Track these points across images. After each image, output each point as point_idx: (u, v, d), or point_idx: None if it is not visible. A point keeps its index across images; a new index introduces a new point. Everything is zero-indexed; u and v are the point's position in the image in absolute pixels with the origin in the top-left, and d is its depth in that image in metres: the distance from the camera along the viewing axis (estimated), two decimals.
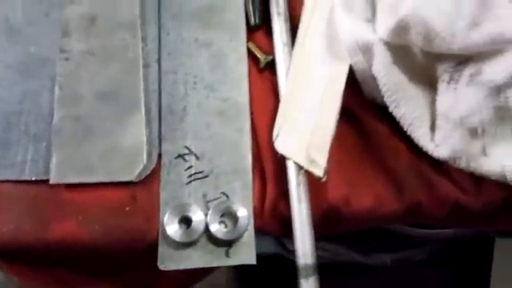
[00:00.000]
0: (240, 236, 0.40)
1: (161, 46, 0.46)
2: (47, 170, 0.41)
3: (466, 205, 0.43)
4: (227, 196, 0.42)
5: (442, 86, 0.42)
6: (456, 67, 0.41)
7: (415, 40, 0.40)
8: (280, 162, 0.42)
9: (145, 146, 0.42)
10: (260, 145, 0.43)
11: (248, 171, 0.43)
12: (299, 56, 0.45)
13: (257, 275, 0.97)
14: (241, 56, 0.47)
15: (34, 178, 0.41)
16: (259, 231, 0.41)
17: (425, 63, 0.43)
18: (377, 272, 0.96)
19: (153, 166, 0.42)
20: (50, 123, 0.42)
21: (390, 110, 0.42)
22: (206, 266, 0.40)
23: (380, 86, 0.42)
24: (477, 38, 0.38)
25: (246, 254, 0.40)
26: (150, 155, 0.42)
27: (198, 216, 0.40)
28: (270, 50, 0.47)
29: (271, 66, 0.46)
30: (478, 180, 0.42)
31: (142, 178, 0.41)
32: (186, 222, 0.40)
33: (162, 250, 0.40)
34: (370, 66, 0.43)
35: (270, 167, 0.42)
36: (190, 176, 0.42)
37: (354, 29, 0.43)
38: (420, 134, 0.42)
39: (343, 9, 0.44)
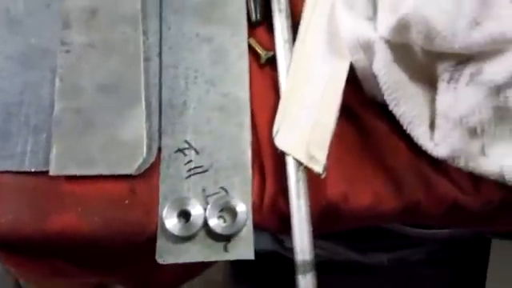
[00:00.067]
0: (238, 231, 0.40)
1: (162, 40, 0.46)
2: (47, 162, 0.41)
3: (465, 204, 0.43)
4: (226, 191, 0.42)
5: (442, 86, 0.42)
6: (456, 66, 0.41)
7: (416, 39, 0.40)
8: (280, 158, 0.42)
9: (145, 139, 0.42)
10: (260, 141, 0.44)
11: (247, 167, 0.43)
12: (300, 53, 0.45)
13: (253, 272, 0.98)
14: (242, 51, 0.47)
15: (33, 170, 0.41)
16: (258, 227, 0.41)
17: (425, 62, 0.43)
18: (373, 271, 0.96)
19: (152, 159, 0.42)
20: (50, 115, 0.42)
21: (390, 108, 0.42)
22: (204, 260, 0.40)
23: (380, 84, 0.42)
24: (478, 37, 0.38)
25: (244, 249, 0.40)
26: (149, 149, 0.42)
27: (196, 210, 0.40)
28: (270, 47, 0.47)
29: (272, 63, 0.46)
30: (477, 180, 0.43)
31: (142, 171, 0.41)
32: (184, 215, 0.40)
33: (161, 243, 0.40)
34: (371, 63, 0.43)
35: (269, 163, 0.43)
36: (190, 170, 0.42)
37: (354, 26, 0.43)
38: (419, 133, 0.42)
39: (344, 7, 0.44)
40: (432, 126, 0.43)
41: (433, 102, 0.43)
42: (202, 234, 0.40)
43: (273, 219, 0.42)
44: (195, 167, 0.42)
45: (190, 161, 0.43)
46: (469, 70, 0.40)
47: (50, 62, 0.44)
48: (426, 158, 0.42)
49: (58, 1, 0.46)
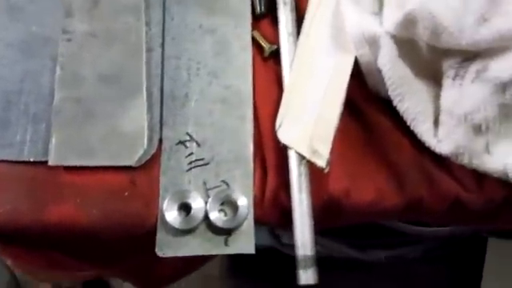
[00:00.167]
0: (239, 225, 0.40)
1: (165, 30, 0.46)
2: (46, 152, 0.40)
3: (467, 201, 0.42)
4: (227, 184, 0.41)
5: (446, 82, 0.42)
6: (462, 63, 0.41)
7: (422, 34, 0.40)
8: (282, 151, 0.42)
9: (146, 130, 0.42)
10: (262, 134, 0.43)
11: (249, 160, 0.42)
12: (304, 46, 0.45)
13: (250, 267, 0.98)
14: (245, 44, 0.46)
15: (32, 159, 0.40)
16: (259, 221, 0.41)
17: (430, 58, 0.43)
18: (371, 268, 0.96)
19: (153, 151, 0.42)
20: (50, 104, 0.41)
21: (394, 103, 0.42)
22: (204, 253, 0.40)
23: (385, 80, 0.42)
24: (485, 33, 0.38)
25: (244, 243, 0.40)
26: (150, 140, 0.42)
27: (197, 203, 0.40)
28: (274, 40, 0.46)
29: (275, 56, 0.46)
30: (480, 177, 0.42)
31: (142, 162, 0.41)
32: (185, 208, 0.40)
33: (161, 236, 0.39)
34: (376, 58, 0.42)
35: (271, 157, 0.42)
36: (191, 163, 0.42)
37: (360, 21, 0.43)
38: (423, 129, 0.42)
39: (350, 1, 0.43)
40: (436, 122, 0.42)
41: (437, 98, 0.43)
42: (203, 227, 0.40)
43: (274, 213, 0.41)
44: (196, 160, 0.42)
45: (191, 153, 0.42)
46: (475, 66, 0.40)
47: (51, 50, 0.43)
48: (429, 154, 0.42)
49: None
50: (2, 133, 0.40)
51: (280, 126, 0.41)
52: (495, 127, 0.40)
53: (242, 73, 0.45)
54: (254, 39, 0.47)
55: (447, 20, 0.38)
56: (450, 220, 0.47)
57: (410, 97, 0.42)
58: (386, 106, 0.43)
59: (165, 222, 0.39)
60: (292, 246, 0.84)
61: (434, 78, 0.43)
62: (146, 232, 0.40)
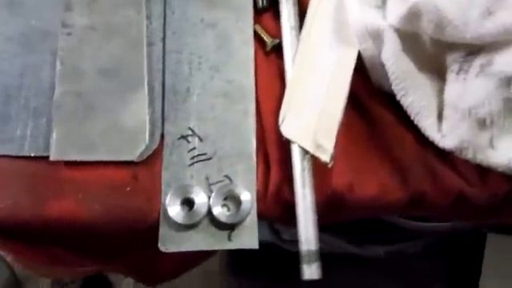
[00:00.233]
0: (243, 220, 0.40)
1: (166, 24, 0.45)
2: (47, 147, 0.40)
3: (471, 196, 0.42)
4: (230, 179, 0.41)
5: (450, 76, 0.41)
6: (466, 57, 0.41)
7: (426, 28, 0.39)
8: (284, 146, 0.41)
9: (147, 125, 0.41)
10: (265, 129, 0.43)
11: (252, 155, 0.42)
12: (306, 40, 0.44)
13: (250, 263, 0.98)
14: (247, 38, 0.46)
15: (33, 154, 0.40)
16: (262, 216, 0.41)
17: (434, 52, 0.43)
18: (369, 263, 0.97)
19: (155, 146, 0.41)
20: (50, 98, 0.41)
21: (398, 98, 0.42)
22: (207, 248, 0.39)
23: (388, 74, 0.41)
24: (490, 27, 0.37)
25: (248, 238, 0.40)
26: (152, 135, 0.41)
27: (200, 198, 0.39)
28: (277, 34, 0.46)
29: (278, 50, 0.46)
30: (483, 172, 0.42)
31: (144, 158, 0.41)
32: (188, 203, 0.40)
33: (163, 231, 0.39)
34: (379, 52, 0.42)
35: (274, 152, 0.42)
36: (193, 158, 0.41)
37: (363, 14, 0.42)
38: (427, 124, 0.42)
39: None
40: (440, 117, 0.42)
41: (441, 92, 0.42)
42: (206, 222, 0.40)
43: (277, 208, 0.41)
44: (199, 154, 0.42)
45: (194, 148, 0.42)
46: (479, 60, 0.40)
47: (51, 44, 0.43)
48: (432, 149, 0.42)
49: None
50: (3, 127, 0.40)
51: (283, 120, 0.41)
52: (500, 121, 0.39)
53: (243, 67, 0.45)
54: (255, 33, 0.46)
55: (452, 13, 0.38)
56: (454, 215, 0.47)
57: (413, 91, 0.41)
58: (389, 100, 0.43)
59: (167, 217, 0.39)
60: (292, 242, 0.84)
61: (438, 73, 0.43)
62: (148, 227, 0.39)
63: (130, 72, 0.43)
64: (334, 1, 0.45)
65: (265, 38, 0.46)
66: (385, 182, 0.42)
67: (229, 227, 0.40)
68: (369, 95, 0.44)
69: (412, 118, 0.42)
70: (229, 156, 0.42)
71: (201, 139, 0.42)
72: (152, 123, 0.42)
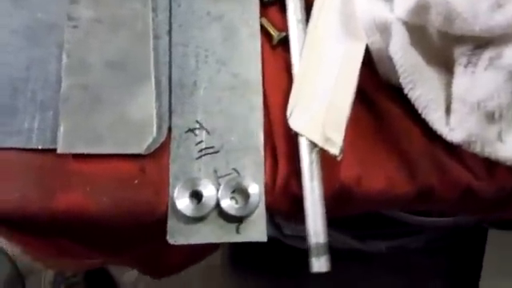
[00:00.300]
0: (251, 213, 0.39)
1: (172, 17, 0.45)
2: (54, 139, 0.39)
3: (478, 190, 0.42)
4: (238, 172, 0.41)
5: (458, 70, 0.41)
6: (474, 51, 0.40)
7: (435, 20, 0.39)
8: (292, 139, 0.41)
9: (154, 118, 0.41)
10: (272, 122, 0.43)
11: (259, 148, 0.42)
12: (313, 33, 0.44)
13: (252, 257, 0.98)
14: (253, 31, 0.46)
15: (40, 147, 0.39)
16: (269, 209, 0.41)
17: (441, 45, 0.42)
18: (371, 259, 0.97)
19: (162, 139, 0.41)
20: (57, 91, 0.41)
21: (406, 91, 0.42)
22: (216, 241, 0.39)
23: (396, 67, 0.41)
24: (500, 19, 0.37)
25: (256, 231, 0.40)
26: (159, 128, 0.41)
27: (209, 191, 0.39)
28: (283, 27, 0.46)
29: (284, 44, 0.45)
30: (491, 165, 0.42)
31: (152, 151, 0.40)
32: (196, 196, 0.39)
33: (172, 223, 0.39)
34: (387, 46, 0.42)
35: (281, 145, 0.42)
36: (201, 151, 0.41)
37: (371, 7, 0.42)
38: (435, 118, 0.42)
39: None
40: (448, 110, 0.42)
41: (448, 86, 0.42)
42: (214, 214, 0.40)
43: (285, 201, 0.41)
44: (206, 148, 0.41)
45: (201, 141, 0.42)
46: (488, 53, 0.39)
47: (57, 37, 0.42)
48: (439, 142, 0.42)
49: None
50: (10, 120, 0.40)
51: (291, 113, 0.41)
52: (508, 115, 0.39)
53: (250, 60, 0.45)
54: (262, 27, 0.46)
55: (461, 6, 0.37)
56: (461, 209, 0.47)
57: (421, 84, 0.41)
58: (397, 93, 0.43)
59: (176, 210, 0.39)
60: (294, 237, 0.84)
61: (445, 66, 0.43)
62: (155, 220, 0.39)
63: (136, 65, 0.43)
64: None
65: (271, 31, 0.46)
66: (392, 176, 0.42)
67: (237, 220, 0.40)
68: (376, 89, 0.44)
69: (420, 111, 0.42)
70: (236, 149, 0.42)
71: (208, 132, 0.42)
72: (159, 116, 0.41)
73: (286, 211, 0.42)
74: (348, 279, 0.98)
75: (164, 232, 0.39)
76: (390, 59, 0.41)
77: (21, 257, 0.96)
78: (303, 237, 0.87)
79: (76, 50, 0.42)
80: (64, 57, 0.42)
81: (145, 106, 0.42)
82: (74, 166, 0.39)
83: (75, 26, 0.43)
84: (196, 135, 0.42)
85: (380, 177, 0.42)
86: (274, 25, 0.46)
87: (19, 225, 0.39)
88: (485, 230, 0.88)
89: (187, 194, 0.39)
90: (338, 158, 0.39)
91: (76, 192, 0.38)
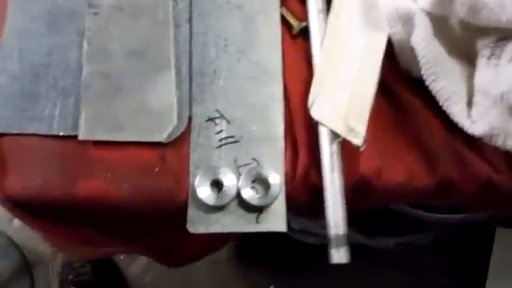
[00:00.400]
0: (271, 202, 0.39)
1: (192, 5, 0.45)
2: (75, 126, 0.39)
3: (498, 183, 0.42)
4: (258, 162, 0.41)
5: (481, 62, 0.41)
6: (497, 43, 0.40)
7: (459, 11, 0.39)
8: (312, 130, 0.41)
9: (175, 107, 0.41)
10: (292, 112, 0.42)
11: (280, 138, 0.42)
12: (335, 23, 0.44)
13: (257, 252, 0.98)
14: (273, 20, 0.45)
15: (62, 134, 0.39)
16: (289, 199, 0.40)
17: (463, 37, 0.42)
18: (377, 255, 0.97)
19: (183, 128, 0.41)
20: (77, 78, 0.41)
21: (427, 83, 0.41)
22: (236, 230, 0.39)
23: (419, 58, 0.41)
24: None
25: (276, 220, 0.40)
26: (180, 117, 0.41)
27: (230, 180, 0.39)
28: (303, 17, 0.45)
29: (304, 34, 0.45)
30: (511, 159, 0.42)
31: (172, 139, 0.40)
32: (217, 185, 0.39)
33: (192, 212, 0.39)
34: (409, 36, 0.42)
35: (302, 135, 0.42)
36: (221, 140, 0.41)
37: None
38: (456, 110, 0.41)
39: None
40: (469, 103, 0.42)
41: (470, 78, 0.42)
42: (234, 204, 0.39)
43: (305, 192, 0.41)
44: (226, 137, 0.41)
45: (221, 130, 0.42)
46: None
47: (78, 24, 0.42)
48: (460, 135, 0.42)
49: None
50: (33, 106, 0.40)
51: (313, 103, 0.40)
52: None
53: (270, 49, 0.44)
54: (282, 16, 0.46)
55: None
56: (479, 203, 0.46)
57: (444, 76, 0.41)
58: (417, 85, 0.43)
59: (196, 199, 0.39)
60: (301, 232, 0.84)
61: (467, 58, 0.42)
62: (175, 208, 0.39)
63: (157, 53, 0.42)
64: None
65: (291, 21, 0.46)
66: (412, 168, 0.42)
67: (257, 210, 0.40)
68: (396, 80, 0.44)
69: (441, 103, 0.42)
70: (257, 139, 0.41)
71: (228, 122, 0.42)
72: (179, 105, 0.41)
73: (305, 202, 0.42)
74: (353, 275, 0.98)
75: (183, 221, 0.39)
76: (412, 50, 0.41)
77: (29, 246, 0.97)
78: (310, 231, 0.87)
79: (97, 37, 0.42)
80: (85, 44, 0.41)
81: (165, 94, 0.41)
82: (95, 152, 0.39)
83: (96, 13, 0.43)
84: (216, 124, 0.42)
85: (400, 169, 0.42)
86: (294, 14, 0.46)
87: (41, 211, 0.39)
88: (492, 228, 0.88)
89: (208, 183, 0.39)
90: (361, 149, 0.39)
91: (97, 179, 0.38)
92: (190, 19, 0.44)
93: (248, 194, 0.39)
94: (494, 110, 0.39)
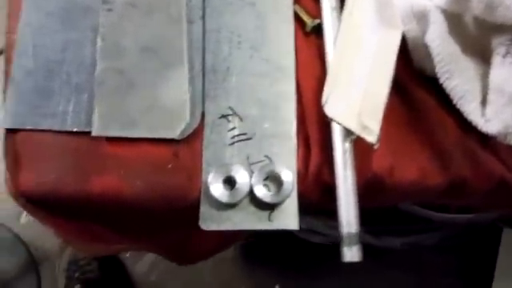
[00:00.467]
0: (284, 200, 0.39)
1: (205, 2, 0.45)
2: (88, 122, 0.39)
3: (511, 182, 0.42)
4: (270, 159, 0.41)
5: (496, 60, 0.41)
6: None
7: (475, 8, 0.39)
8: (325, 127, 0.41)
9: (188, 104, 0.41)
10: (305, 110, 0.42)
11: (292, 136, 0.42)
12: (348, 20, 0.43)
13: (263, 251, 0.98)
14: (286, 17, 0.45)
15: (75, 130, 0.39)
16: (301, 197, 0.40)
17: (477, 35, 0.42)
18: (382, 255, 0.96)
19: (196, 124, 0.41)
20: (91, 74, 0.41)
21: (441, 81, 0.41)
22: (248, 228, 0.39)
23: (433, 56, 0.41)
24: None
25: (288, 218, 0.39)
26: (192, 113, 0.41)
27: (242, 177, 0.39)
28: (316, 14, 0.45)
29: (318, 31, 0.45)
30: None
31: (185, 136, 0.40)
32: (229, 182, 0.39)
33: (204, 209, 0.39)
34: (423, 34, 0.41)
35: (314, 132, 0.41)
36: (233, 137, 0.41)
37: None
38: (470, 108, 0.41)
39: None
40: (483, 101, 0.41)
41: (484, 76, 0.42)
42: (246, 201, 0.39)
43: (317, 190, 0.41)
44: (239, 134, 0.41)
45: (234, 128, 0.41)
46: None
47: (92, 20, 0.42)
48: (473, 134, 0.42)
49: None
50: (47, 102, 0.40)
51: (327, 100, 0.40)
52: None
53: (283, 47, 0.44)
54: (295, 13, 0.46)
55: None
56: (492, 203, 0.46)
57: (458, 74, 0.41)
58: (430, 84, 0.42)
59: (209, 196, 0.39)
60: (308, 231, 0.83)
61: (482, 56, 0.42)
62: (187, 205, 0.39)
63: (170, 50, 0.42)
64: None
65: (305, 18, 0.45)
66: (425, 167, 0.42)
67: (269, 207, 0.40)
68: (410, 79, 0.43)
69: (455, 101, 0.41)
70: (269, 136, 0.41)
71: (241, 119, 0.42)
72: (192, 102, 0.41)
73: (317, 200, 0.42)
74: (358, 274, 0.98)
75: (195, 218, 0.39)
76: (426, 48, 0.41)
77: (35, 243, 0.97)
78: (315, 230, 0.87)
79: (110, 33, 0.42)
80: (99, 40, 0.42)
81: (178, 91, 0.41)
82: (108, 149, 0.39)
83: (110, 10, 0.43)
84: (229, 121, 0.42)
85: (412, 167, 0.42)
86: (307, 12, 0.46)
87: (53, 207, 0.39)
88: (499, 229, 0.87)
89: (221, 180, 0.39)
90: (375, 147, 0.39)
91: (111, 175, 0.38)
92: (203, 16, 0.44)
93: (261, 191, 0.39)
94: (509, 109, 0.39)
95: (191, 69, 0.42)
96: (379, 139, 0.38)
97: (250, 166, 0.40)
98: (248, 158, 0.41)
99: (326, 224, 0.80)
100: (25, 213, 0.97)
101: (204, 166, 0.40)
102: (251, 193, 0.39)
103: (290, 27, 0.45)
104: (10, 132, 0.40)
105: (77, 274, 0.94)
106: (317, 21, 0.45)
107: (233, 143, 0.41)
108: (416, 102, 0.43)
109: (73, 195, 0.38)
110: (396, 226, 0.86)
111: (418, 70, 0.44)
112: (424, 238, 0.88)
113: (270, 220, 0.39)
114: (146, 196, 0.38)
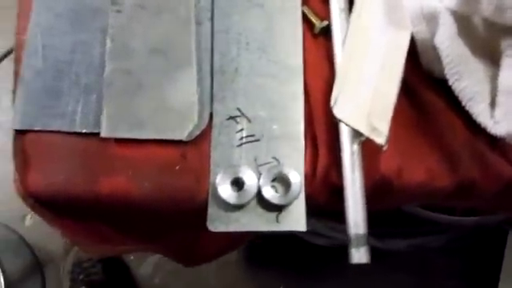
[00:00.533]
0: (291, 202, 0.39)
1: (213, 3, 0.45)
2: (97, 123, 0.40)
3: None
4: (278, 161, 0.41)
5: (505, 62, 0.40)
6: None
7: (485, 10, 0.39)
8: (333, 129, 0.41)
9: (196, 105, 0.41)
10: (313, 111, 0.42)
11: (300, 137, 0.42)
12: (357, 22, 0.43)
13: (267, 253, 0.98)
14: (295, 18, 0.45)
15: (84, 131, 0.39)
16: (309, 198, 0.40)
17: (486, 36, 0.42)
18: (386, 256, 0.96)
19: (204, 126, 0.41)
20: (100, 75, 0.41)
21: (451, 83, 0.41)
22: (256, 229, 0.39)
23: (442, 57, 0.41)
24: None
25: (296, 220, 0.39)
26: (201, 115, 0.41)
27: (250, 179, 0.39)
28: (325, 16, 0.45)
29: (326, 33, 0.45)
30: None
31: (193, 137, 0.40)
32: (237, 184, 0.39)
33: (212, 210, 0.39)
34: (432, 35, 0.41)
35: (322, 134, 0.41)
36: (241, 139, 0.41)
37: None
38: (479, 110, 0.41)
39: None
40: (492, 103, 0.41)
41: (494, 78, 0.41)
42: (254, 203, 0.39)
43: (325, 191, 0.41)
44: (247, 136, 0.41)
45: (242, 129, 0.41)
46: None
47: (101, 21, 0.42)
48: (482, 136, 0.41)
49: None
50: (56, 102, 0.40)
51: (335, 102, 0.40)
52: None
53: (292, 48, 0.44)
54: (303, 15, 0.46)
55: None
56: (501, 204, 0.46)
57: (467, 76, 0.41)
58: (439, 85, 0.42)
59: (216, 197, 0.39)
60: (312, 233, 0.83)
61: (491, 58, 0.42)
62: (195, 207, 0.39)
63: (178, 51, 0.42)
64: None
65: (313, 19, 0.45)
66: (433, 168, 0.42)
67: (277, 209, 0.39)
68: (419, 80, 0.43)
69: (464, 103, 0.41)
70: (277, 138, 0.41)
71: (249, 120, 0.42)
72: (201, 103, 0.41)
73: (325, 201, 0.41)
74: (363, 276, 0.98)
75: (202, 219, 0.39)
76: (435, 49, 0.41)
77: (40, 246, 0.97)
78: (320, 233, 0.86)
79: (119, 34, 0.42)
80: (108, 41, 0.42)
81: (186, 92, 0.41)
82: (116, 150, 0.39)
83: (119, 11, 0.43)
84: (237, 123, 0.42)
85: (420, 169, 0.42)
86: (316, 13, 0.46)
87: (62, 208, 0.39)
88: (504, 232, 0.87)
89: (229, 182, 0.39)
90: (384, 148, 0.38)
91: (119, 176, 0.39)
92: (212, 17, 0.44)
93: (269, 193, 0.39)
94: None
95: (199, 70, 0.42)
96: (388, 140, 0.38)
97: (257, 168, 0.40)
98: (256, 159, 0.41)
99: (327, 225, 0.80)
100: (30, 215, 0.98)
101: (212, 167, 0.40)
102: (259, 194, 0.39)
103: (298, 28, 0.45)
104: (20, 133, 0.40)
105: (81, 276, 0.94)
106: (325, 22, 0.45)
107: (241, 144, 0.41)
108: (425, 103, 0.43)
109: (81, 196, 0.38)
110: (402, 229, 0.86)
111: (426, 72, 0.44)
112: (430, 241, 0.88)
113: (277, 221, 0.39)
114: (153, 197, 0.38)
